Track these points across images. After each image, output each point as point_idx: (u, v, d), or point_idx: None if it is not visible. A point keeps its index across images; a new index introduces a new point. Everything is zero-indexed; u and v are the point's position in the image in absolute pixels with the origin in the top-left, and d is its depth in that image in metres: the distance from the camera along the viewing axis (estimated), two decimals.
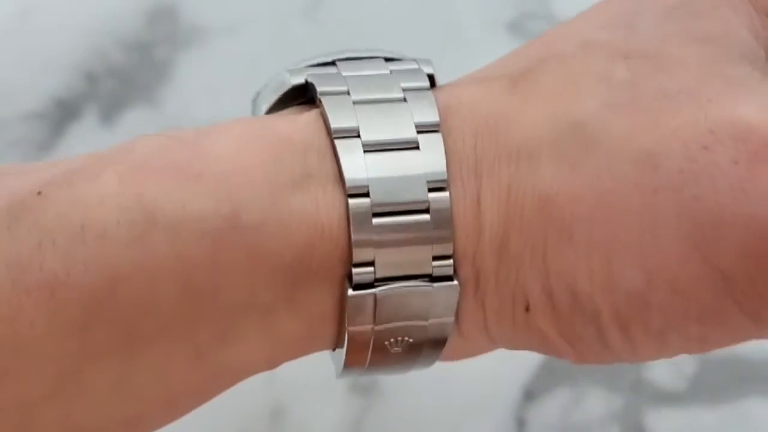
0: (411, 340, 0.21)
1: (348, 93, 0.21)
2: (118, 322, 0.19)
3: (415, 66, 0.22)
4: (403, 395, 0.32)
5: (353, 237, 0.20)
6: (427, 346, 0.22)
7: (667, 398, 0.34)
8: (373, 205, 0.20)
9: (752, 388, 0.34)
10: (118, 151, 0.21)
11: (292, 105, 0.23)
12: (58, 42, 0.38)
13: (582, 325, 0.21)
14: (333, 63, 0.23)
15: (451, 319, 0.21)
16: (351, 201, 0.20)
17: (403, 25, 0.39)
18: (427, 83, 0.22)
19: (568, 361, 0.22)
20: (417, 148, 0.21)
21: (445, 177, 0.21)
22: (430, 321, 0.21)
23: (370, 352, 0.21)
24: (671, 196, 0.19)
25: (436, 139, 0.21)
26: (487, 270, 0.21)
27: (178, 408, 0.21)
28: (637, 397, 0.34)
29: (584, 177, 0.20)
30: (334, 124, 0.21)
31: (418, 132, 0.21)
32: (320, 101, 0.21)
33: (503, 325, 0.22)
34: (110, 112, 0.37)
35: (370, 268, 0.20)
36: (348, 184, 0.20)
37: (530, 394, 0.33)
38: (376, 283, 0.20)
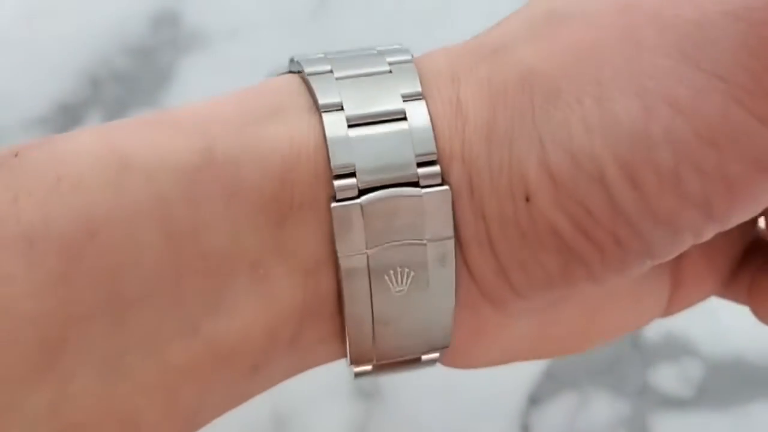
0: (413, 273, 0.20)
1: (331, 71, 0.21)
2: (99, 273, 0.18)
3: (402, 47, 0.22)
4: (406, 401, 0.32)
5: (330, 148, 0.19)
6: (432, 289, 0.20)
7: (673, 404, 0.34)
8: (348, 117, 0.20)
9: (758, 392, 0.34)
10: (95, 126, 0.21)
11: None
12: (62, 47, 0.38)
13: (588, 192, 0.19)
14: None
15: (450, 235, 0.20)
16: (325, 116, 0.20)
17: (405, 30, 0.39)
18: (409, 55, 0.21)
19: (587, 266, 0.20)
20: (390, 72, 0.21)
21: (419, 90, 0.20)
22: (428, 239, 0.20)
23: (370, 291, 0.20)
24: (652, 22, 0.19)
25: (409, 66, 0.21)
26: (479, 163, 0.20)
27: (179, 402, 0.20)
28: (642, 403, 0.34)
29: (562, 41, 0.19)
30: (308, 68, 0.21)
31: (391, 65, 0.21)
32: (298, 64, 0.21)
33: (509, 234, 0.20)
34: (114, 116, 0.37)
35: (352, 180, 0.20)
36: (321, 102, 0.20)
37: (535, 400, 0.33)
38: (360, 196, 0.20)
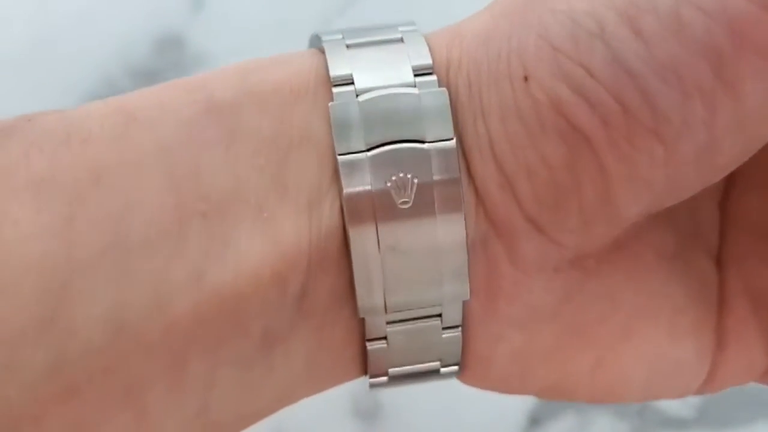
0: (416, 180, 0.19)
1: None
2: (103, 216, 0.19)
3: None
4: (407, 421, 0.32)
5: (329, 62, 0.20)
6: (439, 201, 0.19)
7: (674, 424, 0.34)
8: (347, 43, 0.20)
9: (759, 413, 0.34)
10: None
11: None
12: (69, 69, 0.39)
13: (588, 48, 0.18)
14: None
15: (451, 137, 0.19)
16: (324, 37, 0.21)
17: None
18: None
19: (592, 150, 0.19)
20: (401, 41, 0.21)
21: (416, 28, 0.21)
22: (429, 142, 0.19)
23: (373, 200, 0.19)
24: None
25: (417, 33, 0.21)
26: (477, 60, 0.19)
27: (187, 372, 0.19)
28: (644, 424, 0.34)
29: None
30: (325, 36, 0.21)
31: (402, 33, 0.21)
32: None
33: (509, 128, 0.19)
34: None
35: (350, 87, 0.20)
36: (324, 38, 0.21)
37: (535, 420, 0.33)
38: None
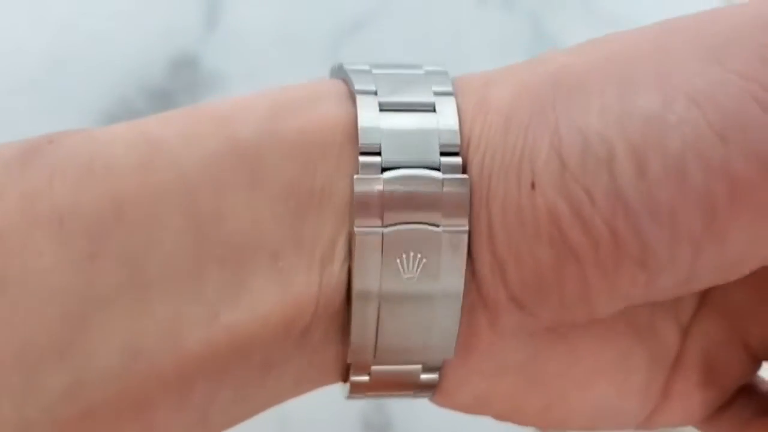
0: (425, 259, 0.20)
1: (375, 93, 0.21)
2: (123, 254, 0.19)
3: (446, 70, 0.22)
4: None
5: (360, 126, 0.20)
6: (443, 280, 0.20)
7: None
8: (380, 103, 0.20)
9: None
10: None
11: None
12: (85, 90, 0.39)
13: (593, 174, 0.19)
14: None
15: (465, 224, 0.20)
16: (359, 97, 0.20)
17: None
18: (449, 84, 0.22)
19: (579, 264, 0.20)
20: (425, 74, 0.21)
21: (450, 88, 0.21)
22: (443, 226, 0.20)
23: (380, 274, 0.20)
24: (686, 28, 0.20)
25: (443, 72, 0.21)
26: (494, 146, 0.20)
27: (193, 395, 0.20)
28: None
29: (597, 49, 0.20)
30: (347, 66, 0.21)
31: (427, 73, 0.21)
32: (340, 69, 0.22)
33: (508, 221, 0.20)
34: None
35: (377, 158, 0.20)
36: (357, 89, 0.20)
37: None
38: (383, 167, 0.20)
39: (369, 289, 0.20)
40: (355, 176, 0.20)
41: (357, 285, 0.20)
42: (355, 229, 0.20)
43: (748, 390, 0.24)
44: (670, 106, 0.19)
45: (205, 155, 0.20)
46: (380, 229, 0.20)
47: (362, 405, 0.31)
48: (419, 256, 0.20)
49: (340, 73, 0.22)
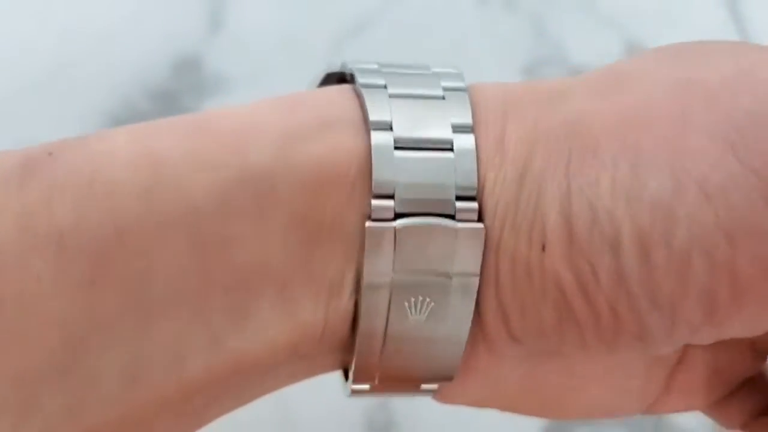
0: (433, 304, 0.20)
1: (385, 87, 0.21)
2: (125, 279, 0.18)
3: (457, 71, 0.22)
4: None
5: (374, 166, 0.19)
6: (450, 324, 0.20)
7: None
8: (396, 139, 0.20)
9: None
10: (126, 126, 0.20)
11: None
12: (88, 92, 0.39)
13: (599, 253, 0.19)
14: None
15: (476, 279, 0.20)
16: (374, 133, 0.19)
17: None
18: (462, 79, 0.21)
19: (579, 329, 0.20)
20: (443, 98, 0.20)
21: (470, 122, 0.20)
22: (454, 279, 0.20)
23: (387, 314, 0.20)
24: (706, 104, 0.19)
25: (463, 95, 0.21)
26: (507, 199, 0.20)
27: (192, 406, 0.20)
28: None
29: (617, 102, 0.20)
30: (362, 79, 0.20)
31: (446, 91, 0.21)
32: (351, 73, 0.21)
33: (516, 274, 0.20)
34: None
35: (390, 202, 0.19)
36: (372, 120, 0.20)
37: None
38: (396, 213, 0.19)
39: (374, 329, 0.20)
40: (367, 224, 0.19)
41: (362, 325, 0.20)
42: (365, 275, 0.20)
43: (755, 379, 0.24)
44: (681, 196, 0.19)
45: (213, 183, 0.19)
46: (390, 275, 0.20)
47: (366, 403, 0.30)
48: (428, 300, 0.20)
49: (352, 80, 0.21)
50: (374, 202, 0.19)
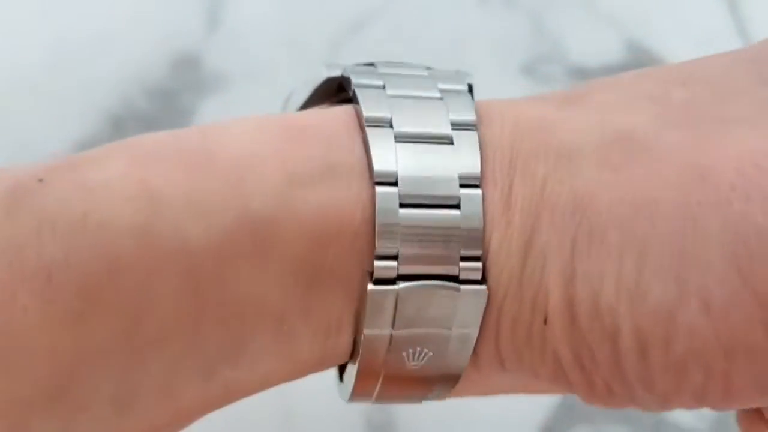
0: (431, 353, 0.20)
1: (384, 87, 0.20)
2: (116, 314, 0.18)
3: (454, 71, 0.22)
4: None
5: (378, 226, 0.19)
6: (446, 366, 0.21)
7: None
8: (401, 195, 0.19)
9: None
10: (123, 141, 0.20)
11: (325, 103, 0.22)
12: (85, 90, 0.39)
13: (599, 341, 0.19)
14: (372, 65, 0.22)
15: (476, 330, 0.20)
16: (378, 189, 0.19)
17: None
18: (465, 87, 0.21)
19: (577, 397, 0.21)
20: (451, 143, 0.20)
21: (478, 174, 0.20)
22: (453, 331, 0.20)
23: (384, 364, 0.20)
24: (718, 209, 0.18)
25: (471, 136, 0.20)
26: (511, 266, 0.20)
27: (182, 426, 0.20)
28: None
29: (626, 181, 0.19)
30: (367, 112, 0.20)
31: (453, 128, 0.20)
32: (354, 93, 0.20)
33: (517, 335, 0.20)
34: None
35: (393, 263, 0.19)
36: (376, 171, 0.19)
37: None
38: (398, 281, 0.19)
39: (371, 370, 0.20)
40: (369, 287, 0.19)
41: (360, 365, 0.20)
42: (364, 332, 0.20)
43: None
44: (683, 305, 0.18)
45: (212, 226, 0.18)
46: (390, 331, 0.20)
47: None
48: (426, 350, 0.20)
49: (354, 97, 0.21)
50: (377, 263, 0.19)
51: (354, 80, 0.21)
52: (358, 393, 0.21)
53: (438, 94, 0.21)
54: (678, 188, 0.19)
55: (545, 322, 0.20)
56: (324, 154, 0.19)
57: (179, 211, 0.18)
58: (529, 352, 0.20)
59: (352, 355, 0.20)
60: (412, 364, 0.20)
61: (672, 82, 0.20)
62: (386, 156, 0.19)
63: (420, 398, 0.22)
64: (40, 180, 0.19)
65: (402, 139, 0.20)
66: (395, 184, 0.19)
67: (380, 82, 0.21)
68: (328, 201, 0.19)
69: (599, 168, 0.19)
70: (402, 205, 0.19)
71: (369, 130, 0.20)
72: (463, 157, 0.20)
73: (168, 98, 0.39)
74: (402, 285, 0.19)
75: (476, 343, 0.21)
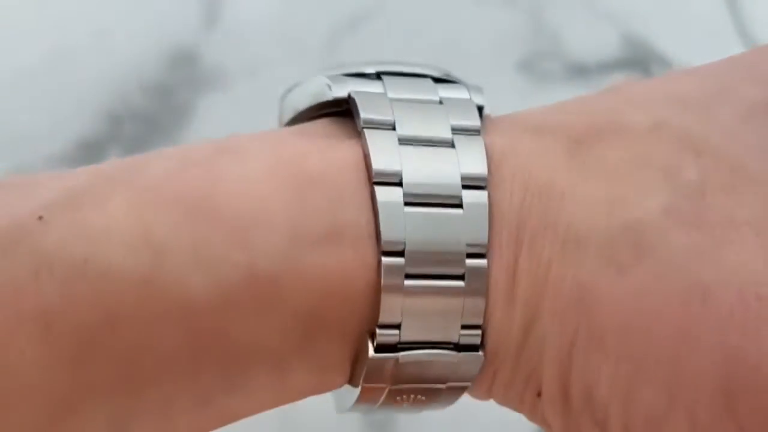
0: (424, 398, 0.21)
1: (393, 127, 0.20)
2: (114, 359, 0.18)
3: (466, 95, 0.21)
4: (418, 431, 0.33)
5: (383, 297, 0.19)
6: (438, 405, 0.21)
7: None
8: (407, 266, 0.19)
9: None
10: (127, 170, 0.19)
11: (323, 112, 0.21)
12: (83, 86, 0.39)
13: (589, 425, 0.20)
14: (377, 75, 0.21)
15: (468, 384, 0.21)
16: (384, 260, 0.19)
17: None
18: (478, 122, 0.20)
19: None
20: (460, 206, 0.20)
21: (485, 243, 0.20)
22: (448, 384, 0.21)
23: (379, 404, 0.21)
24: (714, 335, 0.18)
25: (482, 199, 0.20)
26: (510, 344, 0.20)
27: None
28: None
29: (629, 285, 0.19)
30: (377, 165, 0.19)
31: (464, 186, 0.20)
32: (362, 133, 0.20)
33: (508, 398, 0.21)
34: (133, 154, 0.38)
35: (395, 331, 0.19)
36: (384, 240, 0.19)
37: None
38: (399, 346, 0.20)
39: (368, 406, 0.21)
40: (370, 354, 0.19)
41: (357, 406, 0.21)
42: (363, 384, 0.20)
43: None
44: (671, 415, 0.19)
45: (214, 280, 0.18)
46: (387, 386, 0.20)
47: None
48: (420, 396, 0.21)
49: (358, 116, 0.20)
50: (379, 331, 0.19)
51: (362, 114, 0.20)
52: (351, 410, 0.21)
53: (449, 136, 0.20)
54: (679, 306, 0.19)
55: (539, 395, 0.20)
56: (331, 211, 0.19)
57: (183, 265, 0.18)
58: (518, 407, 0.21)
59: (350, 382, 0.21)
60: (407, 406, 0.21)
61: (686, 147, 0.20)
62: (394, 222, 0.19)
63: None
64: (40, 218, 0.18)
65: (411, 199, 0.19)
66: (402, 254, 0.19)
67: (390, 118, 0.20)
68: (333, 263, 0.19)
69: (605, 264, 0.19)
70: (407, 276, 0.19)
71: (378, 191, 0.19)
72: (472, 224, 0.20)
73: (166, 95, 0.39)
74: (403, 354, 0.20)
75: (469, 389, 0.21)
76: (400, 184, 0.19)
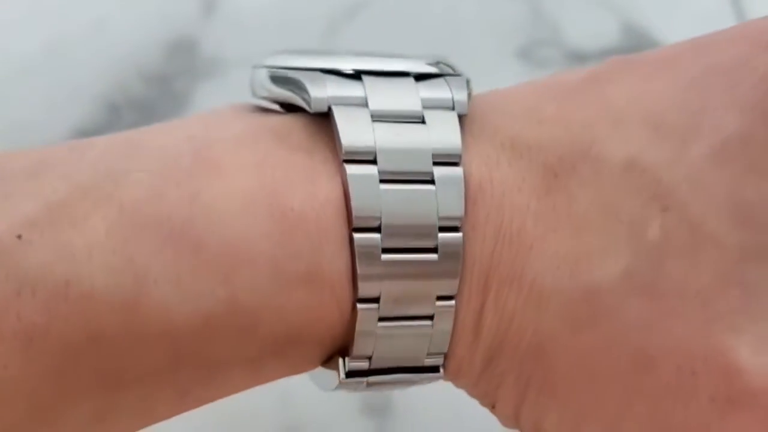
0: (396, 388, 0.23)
1: (374, 160, 0.20)
2: (96, 372, 0.19)
3: (448, 94, 0.21)
4: (417, 417, 0.33)
5: (356, 341, 0.20)
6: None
7: None
8: (380, 312, 0.20)
9: None
10: (104, 179, 0.19)
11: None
12: (81, 75, 0.39)
13: None
14: (357, 76, 0.21)
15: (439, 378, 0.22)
16: (360, 306, 0.20)
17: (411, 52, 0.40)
18: (458, 142, 0.21)
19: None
20: (435, 251, 0.21)
21: (455, 292, 0.21)
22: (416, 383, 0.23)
23: (360, 391, 0.22)
24: (651, 402, 0.20)
25: (456, 245, 0.21)
26: (472, 372, 0.22)
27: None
28: None
29: (583, 344, 0.20)
30: (357, 212, 0.20)
31: (441, 229, 0.20)
32: (343, 168, 0.20)
33: (472, 394, 0.23)
34: None
35: (365, 363, 0.21)
36: (360, 290, 0.20)
37: None
38: (369, 372, 0.21)
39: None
40: (341, 378, 0.21)
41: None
42: (340, 381, 0.21)
43: None
44: None
45: (196, 311, 0.19)
46: (363, 389, 0.22)
47: None
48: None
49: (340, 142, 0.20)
50: (350, 363, 0.21)
51: (344, 142, 0.20)
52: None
53: (430, 169, 0.21)
54: (625, 372, 0.20)
55: (494, 407, 0.22)
56: (311, 253, 0.20)
57: (168, 294, 0.19)
58: (480, 393, 0.23)
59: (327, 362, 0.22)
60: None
61: (653, 201, 0.20)
62: (370, 272, 0.20)
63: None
64: (19, 236, 0.18)
65: (389, 246, 0.20)
66: (376, 300, 0.20)
67: (372, 147, 0.20)
68: (311, 302, 0.20)
69: (563, 322, 0.21)
70: (380, 319, 0.21)
71: (357, 237, 0.20)
72: (444, 270, 0.21)
73: (164, 83, 0.39)
74: (371, 378, 0.21)
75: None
76: (378, 229, 0.20)
